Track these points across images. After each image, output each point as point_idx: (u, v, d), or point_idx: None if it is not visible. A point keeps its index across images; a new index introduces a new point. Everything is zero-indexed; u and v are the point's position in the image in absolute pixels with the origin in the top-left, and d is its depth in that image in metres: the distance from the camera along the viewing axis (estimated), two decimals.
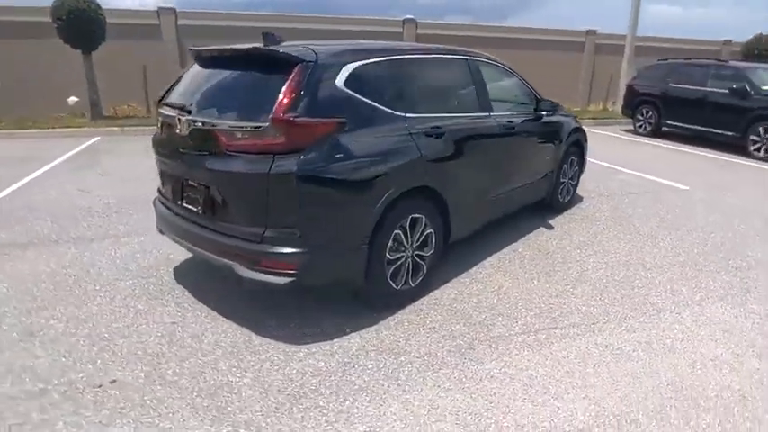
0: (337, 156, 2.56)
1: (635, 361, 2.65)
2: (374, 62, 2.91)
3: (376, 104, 2.83)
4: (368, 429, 2.11)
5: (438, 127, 3.15)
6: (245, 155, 2.52)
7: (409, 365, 2.56)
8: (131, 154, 7.50)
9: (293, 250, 2.52)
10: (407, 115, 3.00)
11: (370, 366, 2.55)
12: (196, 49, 3.02)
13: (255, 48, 2.68)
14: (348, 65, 2.73)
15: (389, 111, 2.90)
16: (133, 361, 2.54)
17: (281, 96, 2.44)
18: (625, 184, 6.51)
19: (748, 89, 8.79)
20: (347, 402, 2.27)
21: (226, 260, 2.69)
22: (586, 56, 16.15)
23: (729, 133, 9.12)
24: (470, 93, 3.68)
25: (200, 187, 2.76)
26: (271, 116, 2.41)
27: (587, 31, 16.15)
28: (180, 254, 3.82)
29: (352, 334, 2.83)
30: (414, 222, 3.05)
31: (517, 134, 4.01)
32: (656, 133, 10.70)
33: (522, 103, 4.41)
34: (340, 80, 2.66)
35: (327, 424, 2.14)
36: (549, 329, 2.94)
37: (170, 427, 2.09)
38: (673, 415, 2.24)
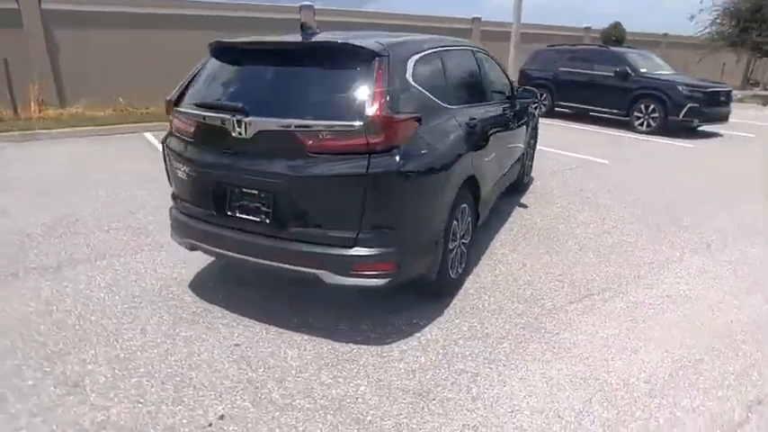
0: (422, 152, 2.60)
1: (669, 312, 3.17)
2: (426, 54, 2.97)
3: (432, 97, 2.90)
4: (511, 407, 2.27)
5: (474, 117, 3.33)
6: (332, 156, 2.42)
7: (500, 346, 2.75)
8: (27, 162, 6.37)
9: (389, 250, 2.51)
10: (452, 107, 3.12)
11: (468, 353, 2.68)
12: (234, 42, 2.78)
13: (331, 41, 2.57)
14: (412, 57, 2.76)
15: (441, 103, 2.99)
16: (226, 391, 2.34)
17: (374, 93, 2.40)
18: (557, 162, 7.33)
19: (629, 71, 10.38)
20: (473, 389, 2.39)
21: (308, 269, 2.57)
22: (474, 42, 17.42)
23: (616, 111, 10.69)
24: (481, 82, 3.91)
25: (264, 194, 2.58)
26: (369, 114, 2.35)
27: (473, 19, 17.42)
28: (184, 270, 3.50)
29: (429, 326, 2.92)
30: (462, 211, 3.20)
31: (509, 119, 4.36)
32: (550, 114, 12.08)
33: (501, 91, 4.77)
34: (409, 73, 2.69)
35: (470, 411, 2.24)
36: (587, 296, 3.34)
37: None
38: (723, 349, 2.77)
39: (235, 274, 3.48)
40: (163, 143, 3.04)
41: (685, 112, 9.57)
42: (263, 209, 2.60)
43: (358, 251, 2.49)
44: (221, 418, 2.17)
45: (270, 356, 2.61)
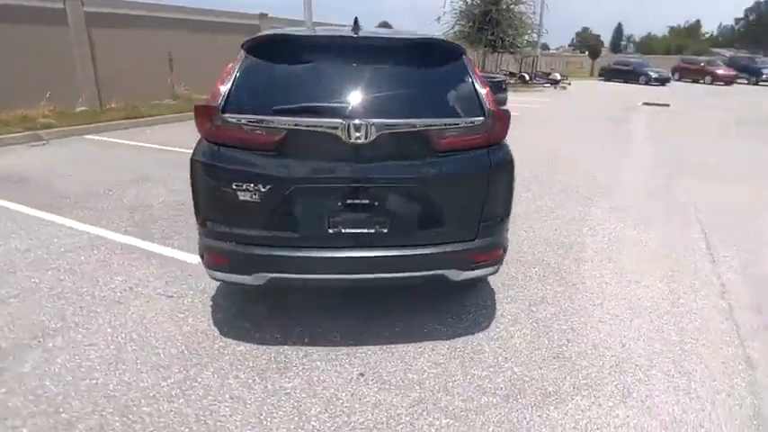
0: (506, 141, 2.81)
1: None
2: None
3: None
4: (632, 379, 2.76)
5: None
6: (458, 153, 2.43)
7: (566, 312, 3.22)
8: None
9: (497, 238, 2.67)
10: None
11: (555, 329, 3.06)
12: (298, 35, 2.45)
13: (425, 37, 2.49)
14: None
15: None
16: (416, 413, 2.17)
17: (482, 89, 2.48)
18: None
19: None
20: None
21: (433, 272, 2.53)
22: None
23: None
24: None
25: (378, 202, 2.40)
26: (489, 109, 2.44)
27: (260, 15, 17.19)
28: (215, 305, 2.93)
29: (505, 305, 3.18)
30: None
31: None
32: None
33: None
34: None
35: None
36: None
37: None
38: None
39: (266, 302, 3.03)
40: (198, 161, 2.45)
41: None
42: (377, 218, 2.42)
43: (478, 243, 2.57)
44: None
45: (404, 371, 2.49)
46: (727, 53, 53.43)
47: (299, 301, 3.09)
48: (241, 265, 2.48)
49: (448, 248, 2.51)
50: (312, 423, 2.14)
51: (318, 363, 2.55)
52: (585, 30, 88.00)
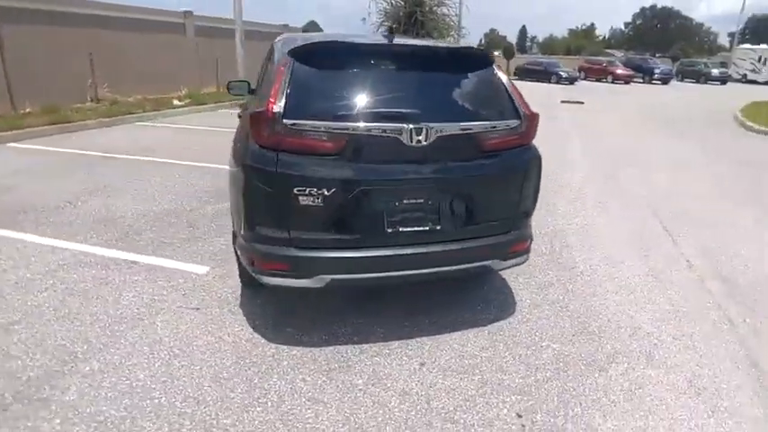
0: None
1: None
2: None
3: None
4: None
5: None
6: (498, 153, 2.64)
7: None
8: None
9: (528, 229, 2.94)
10: None
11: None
12: (347, 43, 2.50)
13: (462, 46, 2.65)
14: None
15: None
16: (515, 391, 2.36)
17: (515, 93, 2.71)
18: None
19: None
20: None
21: (479, 263, 2.72)
22: (190, 38, 16.48)
23: None
24: None
25: (432, 201, 2.55)
26: (523, 112, 2.68)
27: (184, 13, 16.39)
28: (247, 313, 2.92)
29: (520, 291, 3.45)
30: None
31: None
32: None
33: None
34: None
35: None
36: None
37: None
38: None
39: (298, 307, 3.05)
40: (255, 167, 2.43)
41: None
42: (431, 216, 2.57)
43: (514, 234, 2.82)
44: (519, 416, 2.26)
45: (459, 358, 2.67)
46: (619, 54, 59.26)
47: (329, 303, 3.14)
48: (302, 269, 2.51)
49: (491, 241, 2.72)
50: (396, 413, 2.25)
51: (376, 358, 2.65)
52: (493, 31, 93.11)
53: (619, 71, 31.70)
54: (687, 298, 3.43)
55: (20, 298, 3.13)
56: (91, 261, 3.68)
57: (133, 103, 11.60)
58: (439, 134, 2.45)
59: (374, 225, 2.52)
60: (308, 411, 2.25)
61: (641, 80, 32.53)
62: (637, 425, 2.24)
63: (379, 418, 2.22)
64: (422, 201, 2.56)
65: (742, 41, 41.64)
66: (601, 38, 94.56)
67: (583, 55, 57.29)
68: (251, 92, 4.61)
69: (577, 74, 30.96)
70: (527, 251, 2.96)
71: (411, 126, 2.39)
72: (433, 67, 2.71)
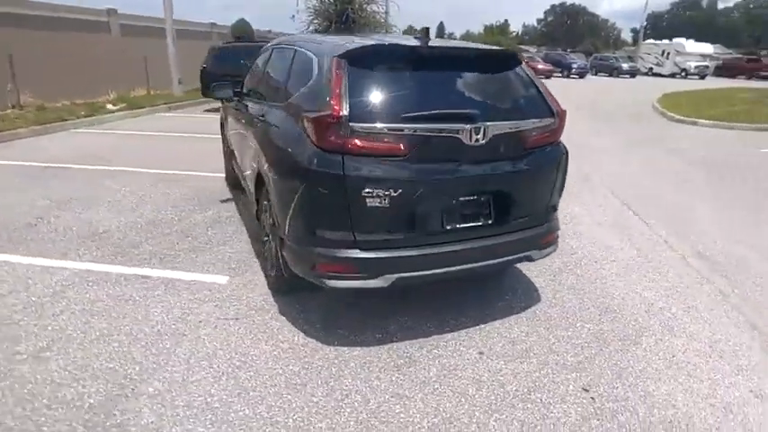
0: None
1: None
2: None
3: None
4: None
5: None
6: (537, 150, 2.84)
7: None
8: None
9: (557, 221, 3.18)
10: None
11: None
12: (398, 46, 2.59)
13: (499, 48, 2.82)
14: None
15: None
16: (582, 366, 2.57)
17: (545, 91, 2.93)
18: None
19: None
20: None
21: (522, 254, 2.92)
22: (115, 37, 15.48)
23: None
24: None
25: (485, 197, 2.71)
26: (557, 110, 2.90)
27: (108, 10, 15.36)
28: (291, 319, 2.93)
29: (537, 279, 3.71)
30: None
31: None
32: None
33: None
34: None
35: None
36: None
37: None
38: None
39: (339, 308, 3.10)
40: (319, 171, 2.46)
41: None
42: (483, 211, 2.73)
43: (550, 224, 3.06)
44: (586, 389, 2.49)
45: (511, 344, 2.86)
46: (533, 49, 62.82)
47: (370, 304, 3.21)
48: (369, 270, 2.57)
49: (531, 233, 2.93)
50: (478, 399, 2.39)
51: (436, 351, 2.77)
52: (411, 28, 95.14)
53: (540, 66, 33.64)
54: (680, 275, 3.86)
55: (36, 323, 2.91)
56: (97, 279, 3.47)
57: (63, 108, 10.71)
58: (494, 133, 2.62)
59: (434, 223, 2.64)
60: (397, 407, 2.33)
61: (560, 74, 34.80)
62: (684, 387, 2.54)
63: (465, 406, 2.35)
64: (475, 197, 2.71)
65: (644, 37, 45.62)
66: (514, 34, 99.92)
67: None
68: (237, 94, 4.55)
69: None
70: (556, 241, 3.20)
71: (470, 126, 2.53)
72: (476, 68, 2.86)
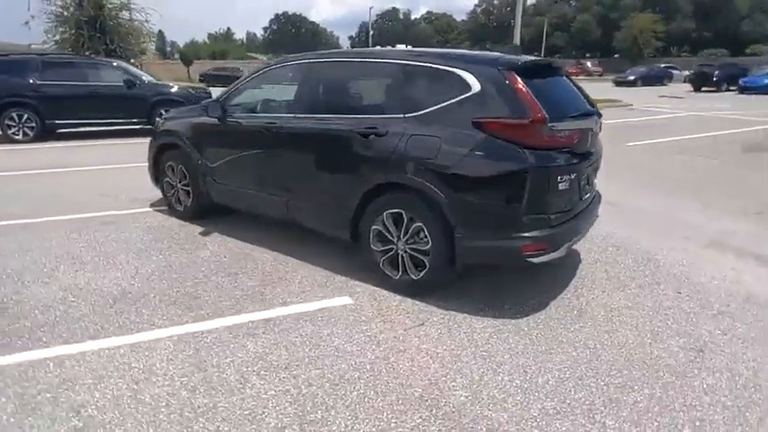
0: None
1: None
2: None
3: None
4: None
5: None
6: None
7: None
8: None
9: None
10: None
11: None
12: (543, 61, 3.17)
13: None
14: None
15: None
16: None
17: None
18: None
19: (136, 80, 10.69)
20: None
21: (597, 218, 3.86)
22: None
23: (136, 119, 10.81)
24: None
25: (592, 172, 3.54)
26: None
27: None
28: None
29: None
30: None
31: None
32: (47, 137, 10.33)
33: None
34: None
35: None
36: None
37: None
38: None
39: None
40: (538, 167, 2.96)
41: None
42: (589, 187, 3.56)
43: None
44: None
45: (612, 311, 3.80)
46: (264, 58, 64.71)
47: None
48: (557, 243, 3.15)
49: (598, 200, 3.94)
50: (605, 357, 3.25)
51: (543, 319, 3.19)
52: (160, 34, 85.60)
53: None
54: (689, 240, 5.43)
55: (230, 396, 2.47)
56: (188, 341, 2.95)
57: None
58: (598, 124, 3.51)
59: (577, 197, 3.36)
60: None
61: None
62: None
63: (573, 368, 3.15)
64: (587, 175, 3.53)
65: (357, 44, 52.04)
66: (239, 42, 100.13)
67: (229, 59, 59.61)
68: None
69: None
70: None
71: (598, 120, 3.37)
72: (563, 74, 3.66)
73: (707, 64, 32.58)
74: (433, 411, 2.37)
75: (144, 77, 11.01)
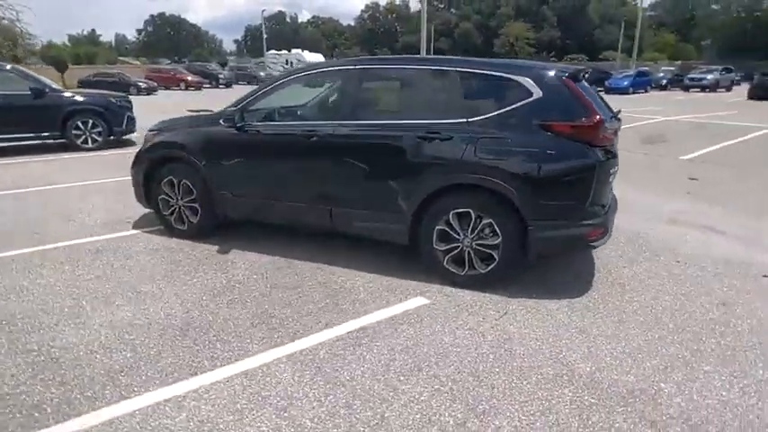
0: None
1: None
2: None
3: None
4: None
5: None
6: None
7: None
8: None
9: None
10: None
11: None
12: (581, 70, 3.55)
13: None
14: None
15: None
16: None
17: None
18: None
19: (44, 88, 9.38)
20: None
21: None
22: None
23: (47, 133, 9.50)
24: None
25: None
26: None
27: None
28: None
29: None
30: None
31: None
32: None
33: None
34: None
35: None
36: None
37: None
38: None
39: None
40: (598, 161, 3.31)
41: (126, 123, 10.32)
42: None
43: None
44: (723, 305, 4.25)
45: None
46: (136, 62, 60.02)
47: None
48: (609, 229, 3.58)
49: None
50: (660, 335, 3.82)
51: (587, 304, 3.90)
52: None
53: (190, 78, 33.35)
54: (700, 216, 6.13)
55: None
56: (337, 350, 2.94)
57: None
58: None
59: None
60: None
61: (209, 85, 35.31)
62: None
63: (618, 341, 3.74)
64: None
65: (245, 47, 50.81)
66: (107, 45, 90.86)
67: (98, 64, 54.42)
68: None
69: (155, 84, 30.48)
70: None
71: (618, 119, 3.84)
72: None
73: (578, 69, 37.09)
74: (574, 384, 2.62)
75: (53, 84, 9.71)
